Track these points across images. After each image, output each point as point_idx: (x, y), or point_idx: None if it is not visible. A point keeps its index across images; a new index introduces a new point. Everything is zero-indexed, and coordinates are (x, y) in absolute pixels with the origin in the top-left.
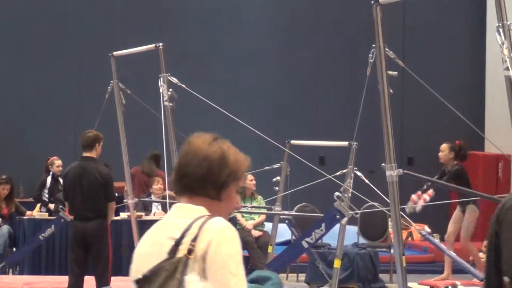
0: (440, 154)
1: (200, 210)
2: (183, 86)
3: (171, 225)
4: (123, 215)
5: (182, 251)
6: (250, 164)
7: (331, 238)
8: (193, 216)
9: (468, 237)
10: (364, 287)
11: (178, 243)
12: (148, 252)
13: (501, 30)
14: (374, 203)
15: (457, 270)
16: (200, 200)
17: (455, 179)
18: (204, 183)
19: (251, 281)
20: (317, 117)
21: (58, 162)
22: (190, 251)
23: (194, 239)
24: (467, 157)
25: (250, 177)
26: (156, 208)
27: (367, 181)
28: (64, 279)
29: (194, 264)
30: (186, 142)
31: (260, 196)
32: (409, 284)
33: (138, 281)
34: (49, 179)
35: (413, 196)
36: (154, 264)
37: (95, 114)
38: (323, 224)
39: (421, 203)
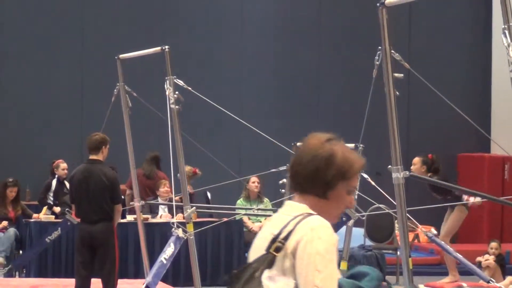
0: (412, 167)
1: (301, 208)
2: (189, 88)
3: (276, 221)
4: (129, 218)
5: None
6: (363, 165)
7: None
8: (294, 213)
9: (448, 235)
10: None
11: (274, 239)
12: (256, 246)
13: (507, 32)
14: (380, 205)
15: (463, 272)
16: (309, 198)
17: (435, 190)
18: (312, 182)
19: (349, 277)
20: (322, 119)
21: (64, 165)
22: (278, 249)
23: (286, 237)
24: (439, 170)
25: (253, 179)
26: (162, 210)
27: (373, 183)
28: (71, 282)
29: (284, 261)
30: (303, 141)
31: (266, 199)
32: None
33: (229, 277)
34: (54, 182)
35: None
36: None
37: (101, 117)
38: None
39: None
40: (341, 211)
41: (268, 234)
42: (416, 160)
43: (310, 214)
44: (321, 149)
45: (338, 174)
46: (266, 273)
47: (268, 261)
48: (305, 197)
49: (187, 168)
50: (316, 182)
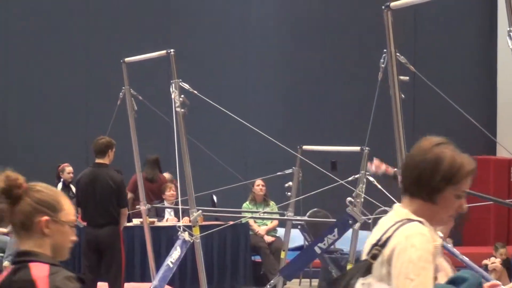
0: None
1: (403, 214)
2: (195, 92)
3: (381, 226)
4: (135, 221)
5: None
6: (473, 169)
7: (344, 243)
8: (396, 219)
9: None
10: None
11: (374, 245)
12: (364, 250)
13: None
14: (386, 208)
15: None
16: (417, 202)
17: None
18: (419, 186)
19: (449, 282)
20: (328, 122)
21: (69, 168)
22: (374, 256)
23: (384, 244)
24: None
25: (258, 182)
26: (168, 214)
27: (379, 186)
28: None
29: (381, 268)
30: (415, 144)
31: (272, 202)
32: None
33: (329, 282)
34: (59, 186)
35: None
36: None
37: (106, 121)
38: (336, 230)
39: (384, 168)
40: (450, 215)
41: (373, 239)
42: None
43: (410, 220)
44: (429, 153)
45: (444, 179)
46: (361, 281)
47: (365, 268)
48: (413, 201)
49: (168, 176)
50: (423, 186)
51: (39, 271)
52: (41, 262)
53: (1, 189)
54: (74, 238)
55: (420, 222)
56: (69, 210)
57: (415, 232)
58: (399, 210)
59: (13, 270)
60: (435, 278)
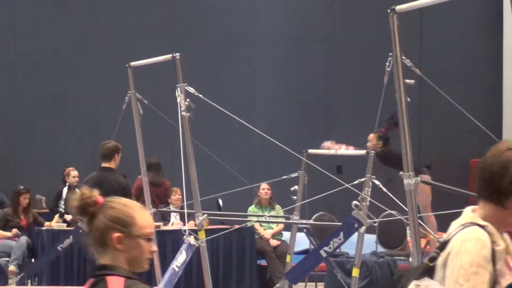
0: (368, 144)
1: (469, 217)
2: (200, 96)
3: (449, 229)
4: None
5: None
6: None
7: (349, 246)
8: (461, 222)
9: (428, 208)
10: None
11: (436, 248)
12: None
13: None
14: (392, 212)
15: None
16: (488, 206)
17: (392, 165)
18: (489, 189)
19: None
20: (334, 125)
21: (74, 173)
22: (432, 259)
23: (443, 247)
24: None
25: (263, 186)
26: (174, 218)
27: (384, 189)
28: None
29: (440, 271)
30: (491, 147)
31: (278, 205)
32: None
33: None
34: (65, 190)
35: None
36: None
37: (112, 125)
38: (341, 233)
39: (344, 148)
40: None
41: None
42: (371, 136)
43: (472, 224)
44: (501, 157)
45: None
46: (415, 282)
47: (421, 270)
48: (485, 204)
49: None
50: (492, 189)
51: (115, 284)
52: (118, 276)
53: (76, 207)
54: (153, 249)
55: (481, 226)
56: (144, 223)
57: (472, 236)
58: (467, 214)
59: (93, 283)
60: (495, 283)
